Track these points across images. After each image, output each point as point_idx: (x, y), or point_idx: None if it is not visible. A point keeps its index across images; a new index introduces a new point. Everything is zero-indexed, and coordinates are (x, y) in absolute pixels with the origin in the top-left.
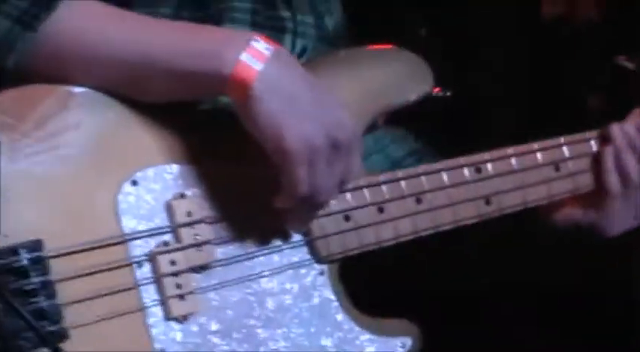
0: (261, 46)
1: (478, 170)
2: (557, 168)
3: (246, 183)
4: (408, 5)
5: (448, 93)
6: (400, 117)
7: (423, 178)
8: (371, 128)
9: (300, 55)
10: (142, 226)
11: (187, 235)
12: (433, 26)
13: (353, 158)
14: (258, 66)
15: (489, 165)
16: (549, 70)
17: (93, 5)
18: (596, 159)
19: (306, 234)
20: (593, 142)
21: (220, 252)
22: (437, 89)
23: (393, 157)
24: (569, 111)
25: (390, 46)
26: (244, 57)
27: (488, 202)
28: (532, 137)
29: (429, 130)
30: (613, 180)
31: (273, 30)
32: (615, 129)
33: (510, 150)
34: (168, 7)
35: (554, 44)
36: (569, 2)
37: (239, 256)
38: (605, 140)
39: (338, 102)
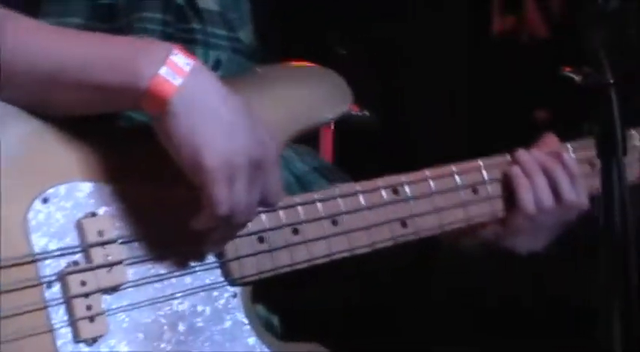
0: (180, 60)
1: (395, 191)
2: (475, 191)
3: (161, 203)
4: (329, 22)
5: (366, 113)
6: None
7: (339, 200)
8: (302, 134)
9: (214, 68)
10: (53, 245)
11: (98, 255)
12: (357, 44)
13: (273, 177)
14: (177, 81)
15: (407, 187)
16: (496, 84)
17: (5, 16)
18: (509, 181)
19: (220, 255)
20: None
21: (132, 272)
22: (355, 108)
23: (296, 173)
24: (516, 125)
25: (308, 64)
26: (163, 71)
27: (404, 225)
28: (477, 153)
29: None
30: (528, 197)
31: (184, 42)
32: (522, 154)
33: (428, 173)
34: (78, 17)
35: (501, 59)
36: (518, 18)
37: (151, 277)
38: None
39: (259, 120)
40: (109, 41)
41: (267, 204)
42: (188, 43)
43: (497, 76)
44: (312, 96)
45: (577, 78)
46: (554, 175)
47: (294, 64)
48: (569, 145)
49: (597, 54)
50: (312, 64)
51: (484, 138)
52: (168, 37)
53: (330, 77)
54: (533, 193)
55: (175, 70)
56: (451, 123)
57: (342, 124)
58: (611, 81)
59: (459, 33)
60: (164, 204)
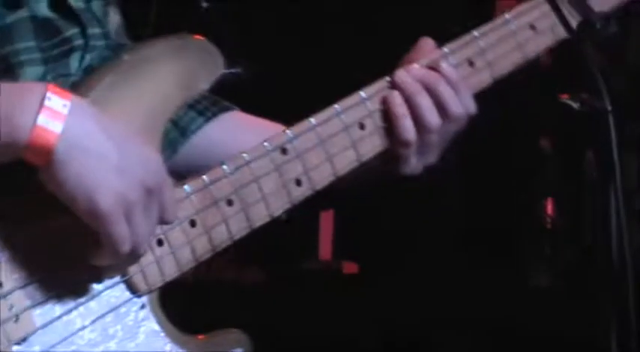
0: (56, 103)
1: (284, 151)
2: (362, 127)
3: (52, 238)
4: None
5: (235, 70)
6: None
7: (228, 178)
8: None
9: (86, 70)
10: None
11: (3, 309)
12: None
13: (168, 196)
14: (57, 127)
15: (295, 142)
16: (499, 113)
17: None
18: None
19: (122, 273)
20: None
21: (38, 315)
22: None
23: (185, 133)
24: (521, 152)
25: (174, 37)
26: (40, 120)
27: (299, 183)
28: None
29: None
30: (406, 124)
31: (63, 56)
32: (401, 75)
33: (314, 120)
34: None
35: (502, 87)
36: None
37: (58, 315)
38: (394, 87)
39: (141, 142)
40: None
41: (165, 221)
42: (65, 55)
43: (496, 103)
44: (183, 70)
45: (575, 105)
46: (436, 91)
47: (160, 40)
48: (446, 49)
49: (595, 80)
50: (178, 36)
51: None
52: (51, 60)
53: (199, 45)
54: (415, 117)
55: (53, 115)
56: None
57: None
58: (609, 107)
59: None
60: (54, 238)
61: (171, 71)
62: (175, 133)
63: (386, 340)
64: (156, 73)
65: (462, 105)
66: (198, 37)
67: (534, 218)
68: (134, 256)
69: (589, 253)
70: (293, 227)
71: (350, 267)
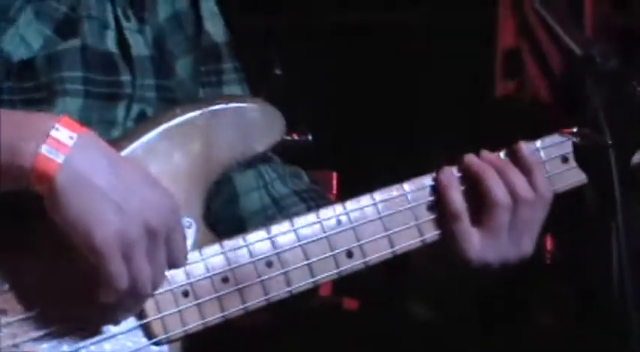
0: (62, 134)
1: (338, 222)
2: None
3: (63, 270)
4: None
5: (309, 138)
6: None
7: (273, 240)
8: (230, 170)
9: (137, 120)
10: None
11: (5, 337)
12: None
13: (176, 240)
14: (59, 158)
15: (350, 215)
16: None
17: None
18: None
19: (140, 316)
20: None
21: (44, 349)
22: (295, 134)
23: (274, 196)
24: None
25: (235, 99)
26: (44, 149)
27: (350, 255)
28: None
29: None
30: (500, 188)
31: (106, 99)
32: (469, 156)
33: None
34: None
35: (504, 121)
36: (520, 82)
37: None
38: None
39: (152, 185)
40: None
41: (173, 266)
42: (110, 99)
43: (499, 138)
44: (240, 130)
45: (576, 139)
46: (503, 172)
47: (219, 97)
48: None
49: (596, 115)
50: (240, 98)
51: None
52: (91, 96)
53: (261, 108)
54: (481, 191)
55: (57, 146)
56: None
57: (277, 151)
58: (610, 142)
59: (463, 96)
60: (67, 273)
61: (209, 136)
62: (274, 209)
63: None
64: (203, 129)
65: (533, 188)
66: (259, 100)
67: (534, 254)
68: (137, 296)
69: (590, 291)
70: None
71: (350, 303)
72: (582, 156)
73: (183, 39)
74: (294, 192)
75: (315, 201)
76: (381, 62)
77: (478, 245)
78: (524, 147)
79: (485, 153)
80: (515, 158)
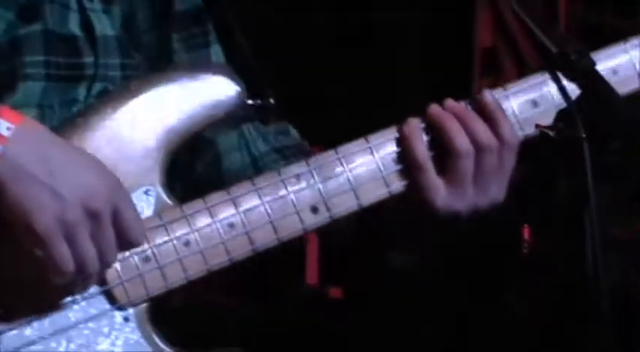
0: (1, 125)
1: (298, 177)
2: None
3: (13, 260)
4: None
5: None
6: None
7: (234, 201)
8: (191, 137)
9: (98, 95)
10: None
11: None
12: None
13: (125, 218)
14: None
15: (314, 171)
16: None
17: None
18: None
19: (101, 283)
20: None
21: (7, 321)
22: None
23: (254, 154)
24: None
25: (185, 67)
26: None
27: (315, 210)
28: None
29: None
30: (461, 136)
31: (67, 80)
32: (432, 106)
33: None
34: None
35: None
36: (496, 80)
37: (25, 324)
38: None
39: (91, 168)
40: None
41: (129, 241)
42: (72, 80)
43: None
44: (189, 100)
45: (552, 133)
46: (464, 120)
47: (172, 71)
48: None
49: (570, 109)
50: (196, 67)
51: None
52: (52, 78)
53: (218, 76)
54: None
55: None
56: None
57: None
58: (583, 135)
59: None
60: (14, 259)
61: (174, 100)
62: (251, 169)
63: None
64: (156, 102)
65: (496, 135)
66: (218, 66)
67: (512, 244)
68: (86, 275)
69: (565, 280)
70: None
71: (335, 292)
72: (557, 148)
73: (152, 12)
74: (274, 149)
75: (296, 156)
76: (362, 56)
77: (444, 194)
78: (488, 95)
79: (449, 102)
80: (479, 106)
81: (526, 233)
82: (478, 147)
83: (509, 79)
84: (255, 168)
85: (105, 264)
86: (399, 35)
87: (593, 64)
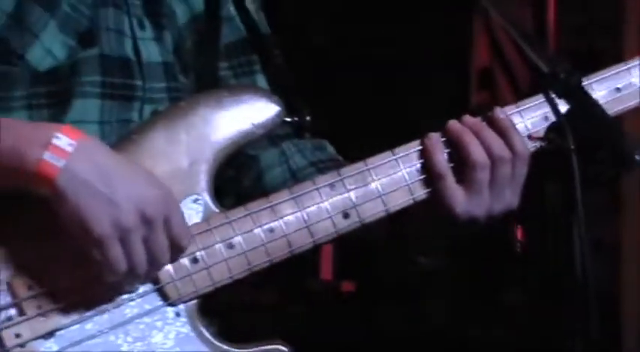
0: (63, 142)
1: (332, 186)
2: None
3: (72, 259)
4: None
5: (307, 118)
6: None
7: (274, 208)
8: (235, 152)
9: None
10: None
11: (31, 307)
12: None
13: (175, 225)
14: (60, 163)
15: (347, 181)
16: None
17: None
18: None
19: (155, 282)
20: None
21: (67, 316)
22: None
23: (293, 168)
24: None
25: (234, 88)
26: (47, 156)
27: (346, 216)
28: None
29: None
30: (478, 150)
31: (122, 99)
32: (451, 122)
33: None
34: (22, 88)
35: None
36: (492, 93)
37: (87, 319)
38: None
39: (145, 179)
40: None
41: (177, 246)
42: (125, 99)
43: None
44: (239, 116)
45: (543, 143)
46: (480, 134)
47: (219, 90)
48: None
49: (561, 122)
50: (240, 88)
51: None
52: (107, 97)
53: (260, 96)
54: (460, 155)
55: (58, 152)
56: None
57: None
58: (572, 147)
59: (443, 103)
60: (73, 259)
61: (220, 119)
62: (291, 182)
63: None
64: (203, 120)
65: (509, 147)
66: (259, 88)
67: (507, 243)
68: (136, 275)
69: (554, 274)
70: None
71: (348, 286)
72: (548, 158)
73: (201, 40)
74: (311, 163)
75: (332, 170)
76: (377, 75)
77: (463, 201)
78: (499, 111)
79: (466, 117)
80: (492, 121)
81: (519, 234)
82: (493, 159)
83: (504, 94)
84: (295, 181)
85: (156, 265)
86: (402, 57)
87: (581, 82)
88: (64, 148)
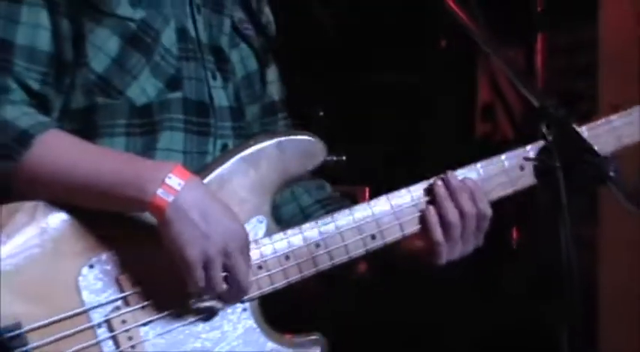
0: (173, 182)
1: (365, 214)
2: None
3: (170, 272)
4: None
5: (343, 158)
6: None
7: (320, 228)
8: (290, 183)
9: (221, 150)
10: (99, 298)
11: (135, 300)
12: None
13: (241, 260)
14: (169, 198)
15: (375, 207)
16: None
17: (57, 140)
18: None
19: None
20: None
21: (163, 308)
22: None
23: (302, 206)
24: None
25: (292, 134)
26: (160, 192)
27: (373, 237)
28: None
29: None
30: (437, 230)
31: (200, 134)
32: (439, 184)
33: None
34: (122, 118)
35: (482, 154)
36: (493, 125)
37: (177, 311)
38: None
39: (231, 219)
40: (124, 164)
41: (237, 278)
42: (202, 135)
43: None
44: (294, 154)
45: (535, 162)
46: (457, 198)
47: (278, 132)
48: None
49: (549, 146)
50: (295, 132)
51: None
52: (188, 131)
53: (308, 139)
54: (441, 221)
55: (168, 190)
56: None
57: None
58: (558, 164)
59: (451, 135)
60: (170, 272)
61: (280, 155)
62: (300, 217)
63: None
64: (267, 155)
65: (476, 207)
66: (307, 133)
67: (504, 241)
68: (212, 292)
69: (545, 269)
70: None
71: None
72: (539, 173)
73: (252, 93)
74: (316, 201)
75: (332, 206)
76: (395, 111)
77: (444, 252)
78: (470, 181)
79: (451, 178)
80: (468, 187)
81: (515, 233)
82: (463, 217)
83: (503, 126)
84: (303, 216)
85: (234, 284)
86: (422, 93)
87: (565, 114)
88: (174, 187)
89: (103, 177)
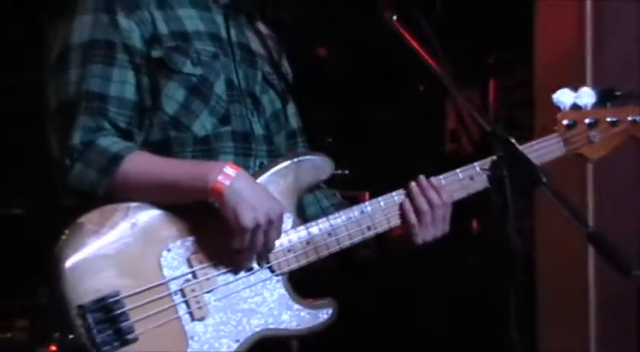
0: (229, 170)
1: (362, 212)
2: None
3: (227, 242)
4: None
5: (346, 172)
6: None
7: (331, 221)
8: (310, 190)
9: (259, 167)
10: (175, 273)
11: (201, 274)
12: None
13: (279, 227)
14: (227, 182)
15: (369, 207)
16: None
17: (141, 157)
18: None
19: (267, 262)
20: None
21: (220, 279)
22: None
23: (322, 207)
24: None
25: (306, 153)
26: (220, 178)
27: (369, 228)
28: None
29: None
30: (412, 217)
31: (245, 156)
32: (413, 185)
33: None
34: (189, 146)
35: (450, 165)
36: (459, 144)
37: (231, 281)
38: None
39: (271, 198)
40: (193, 167)
41: (269, 241)
42: (246, 156)
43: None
44: (311, 169)
45: (489, 173)
46: (427, 195)
47: (298, 152)
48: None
49: (500, 160)
50: (310, 152)
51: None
52: (239, 154)
53: (321, 158)
54: (415, 210)
55: (226, 176)
56: None
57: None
58: (505, 174)
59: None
60: (224, 238)
61: (300, 169)
62: (319, 211)
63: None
64: (290, 170)
65: (441, 199)
66: (320, 153)
67: (465, 231)
68: (254, 251)
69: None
70: None
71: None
72: (492, 180)
73: (278, 124)
74: (332, 204)
75: (341, 207)
76: (386, 136)
77: (421, 237)
78: (434, 180)
79: (421, 180)
80: (433, 185)
81: (474, 224)
82: (432, 207)
83: (465, 146)
84: (323, 215)
85: (267, 248)
86: (401, 123)
87: (511, 137)
88: (230, 174)
89: (177, 176)
